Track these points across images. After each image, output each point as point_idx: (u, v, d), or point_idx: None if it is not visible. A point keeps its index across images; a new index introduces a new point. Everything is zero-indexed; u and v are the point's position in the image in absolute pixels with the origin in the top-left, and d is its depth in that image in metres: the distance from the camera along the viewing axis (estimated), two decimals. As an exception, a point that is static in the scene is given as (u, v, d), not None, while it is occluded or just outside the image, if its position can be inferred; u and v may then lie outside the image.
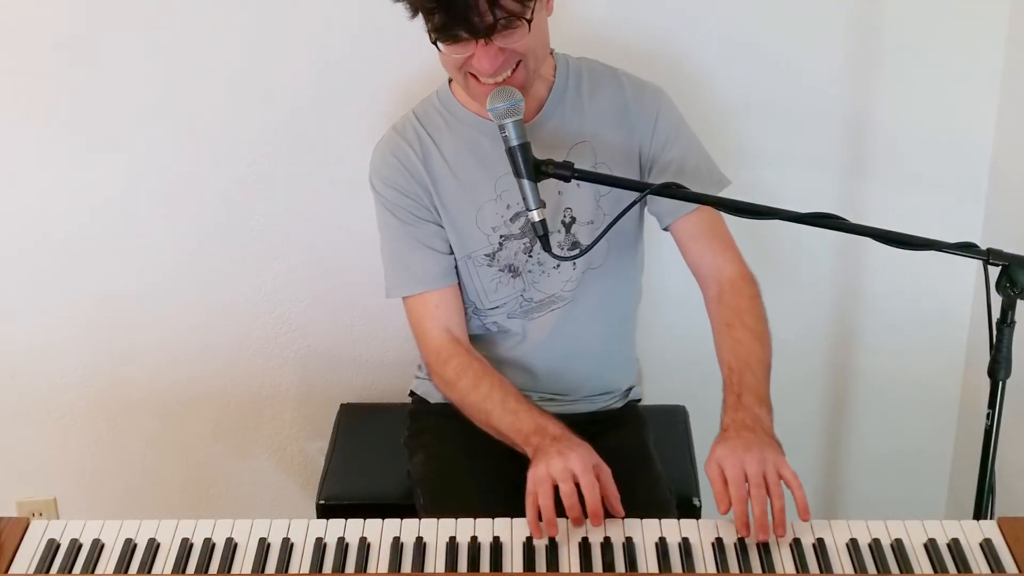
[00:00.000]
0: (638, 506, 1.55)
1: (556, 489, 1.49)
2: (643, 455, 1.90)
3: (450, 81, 1.83)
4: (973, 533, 1.48)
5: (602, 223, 1.82)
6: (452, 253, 1.83)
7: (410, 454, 1.95)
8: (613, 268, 1.87)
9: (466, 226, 1.81)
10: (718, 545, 1.47)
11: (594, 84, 1.82)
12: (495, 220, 1.81)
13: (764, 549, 1.46)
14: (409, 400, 2.05)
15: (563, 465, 1.50)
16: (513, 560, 1.45)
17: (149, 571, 1.43)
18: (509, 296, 1.86)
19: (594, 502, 1.47)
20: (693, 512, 1.97)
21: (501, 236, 1.81)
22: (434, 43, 1.60)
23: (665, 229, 1.85)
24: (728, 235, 1.84)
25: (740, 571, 1.43)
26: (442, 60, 1.66)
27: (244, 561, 1.45)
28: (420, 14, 1.58)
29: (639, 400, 2.05)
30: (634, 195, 1.66)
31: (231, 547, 1.46)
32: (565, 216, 1.82)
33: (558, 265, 1.84)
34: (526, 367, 1.89)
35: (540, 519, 1.48)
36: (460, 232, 1.81)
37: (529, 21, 1.58)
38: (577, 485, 1.49)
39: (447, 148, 1.80)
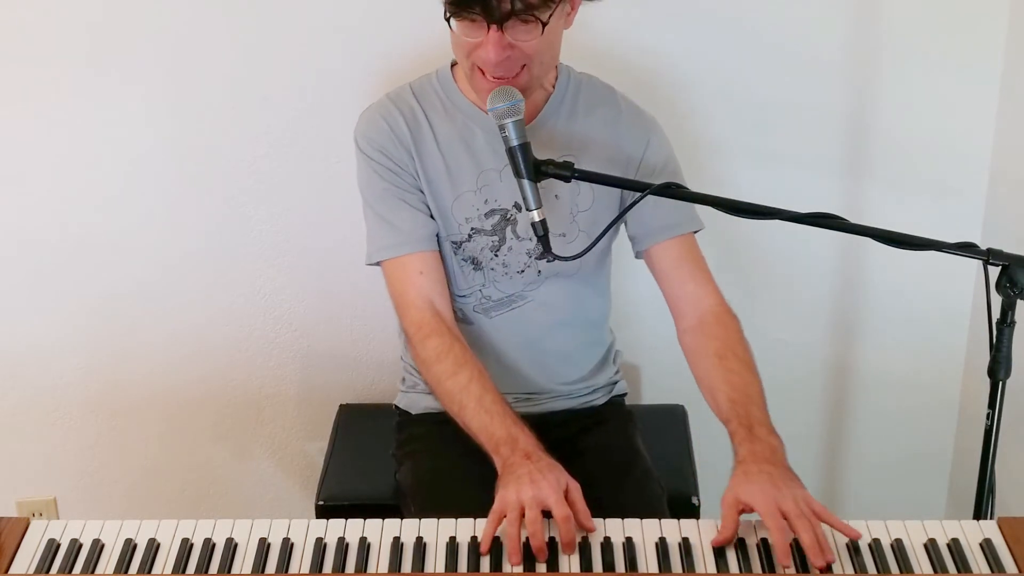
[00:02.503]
0: (627, 503, 1.55)
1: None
2: (630, 451, 1.89)
3: (452, 66, 1.82)
4: (973, 533, 1.48)
5: (575, 237, 1.81)
6: (435, 220, 1.80)
7: (398, 465, 1.94)
8: (580, 274, 1.86)
9: (442, 209, 1.80)
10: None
11: (591, 100, 1.82)
12: (470, 211, 1.80)
13: (764, 549, 1.46)
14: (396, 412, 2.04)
15: (533, 493, 1.47)
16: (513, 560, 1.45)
17: (149, 571, 1.43)
18: (471, 288, 1.85)
19: (568, 535, 1.44)
20: (691, 511, 1.97)
21: (472, 228, 1.81)
22: (447, 19, 1.59)
23: (638, 256, 1.84)
24: (707, 268, 1.82)
25: (740, 571, 1.43)
26: (453, 43, 1.66)
27: (244, 561, 1.45)
28: None
29: (624, 394, 2.03)
30: (614, 215, 1.66)
31: (231, 547, 1.46)
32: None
33: (523, 270, 1.83)
34: (487, 365, 1.84)
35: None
36: (437, 213, 1.80)
37: (544, 23, 1.58)
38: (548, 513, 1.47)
39: (440, 128, 1.79)
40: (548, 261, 1.82)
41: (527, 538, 1.45)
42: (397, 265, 1.78)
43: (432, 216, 1.80)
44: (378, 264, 1.81)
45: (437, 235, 1.81)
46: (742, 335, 1.76)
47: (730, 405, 1.64)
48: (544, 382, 1.91)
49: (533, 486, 1.48)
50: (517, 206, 1.78)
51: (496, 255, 1.82)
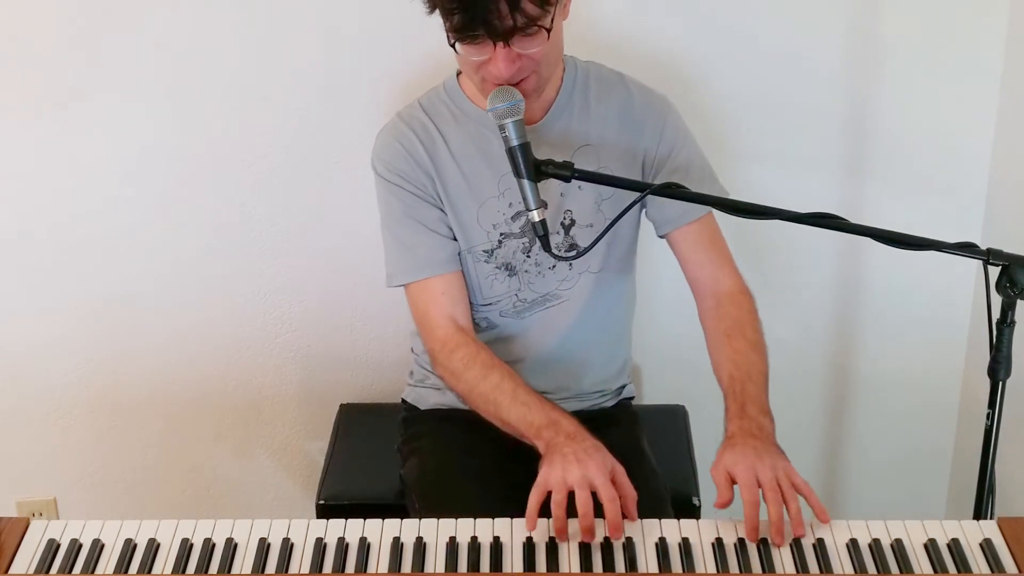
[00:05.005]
0: None
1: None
2: (636, 452, 1.89)
3: (458, 74, 1.82)
4: (973, 533, 1.49)
5: (602, 227, 1.81)
6: (455, 239, 1.81)
7: (403, 460, 1.94)
8: (609, 271, 1.87)
9: (467, 220, 1.80)
10: (718, 545, 1.47)
11: (602, 88, 1.82)
12: (496, 217, 1.81)
13: (764, 549, 1.46)
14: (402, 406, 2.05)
15: (581, 473, 1.48)
16: (513, 560, 1.45)
17: (149, 571, 1.43)
18: (503, 294, 1.85)
19: (615, 516, 1.45)
20: (692, 512, 1.97)
21: (501, 234, 1.81)
22: (452, 45, 1.60)
23: (661, 237, 1.86)
24: (726, 247, 1.85)
25: (740, 571, 1.43)
26: (459, 60, 1.66)
27: (244, 561, 1.45)
28: (438, 12, 1.58)
29: (632, 398, 2.05)
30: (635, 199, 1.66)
31: (231, 547, 1.46)
32: (565, 218, 1.82)
33: (554, 266, 1.84)
34: (513, 363, 1.87)
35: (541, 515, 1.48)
36: (462, 225, 1.81)
37: (548, 30, 1.58)
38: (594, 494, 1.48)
39: (453, 141, 1.79)
40: (553, 263, 1.82)
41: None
42: (420, 288, 1.80)
43: (453, 236, 1.81)
44: (398, 285, 1.82)
45: (467, 248, 1.81)
46: (755, 315, 1.80)
47: (729, 382, 1.69)
48: (562, 383, 1.92)
49: (580, 466, 1.49)
50: (541, 200, 1.76)
51: (528, 256, 1.83)
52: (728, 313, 1.79)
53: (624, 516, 1.49)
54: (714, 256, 1.83)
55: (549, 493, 1.49)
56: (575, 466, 1.49)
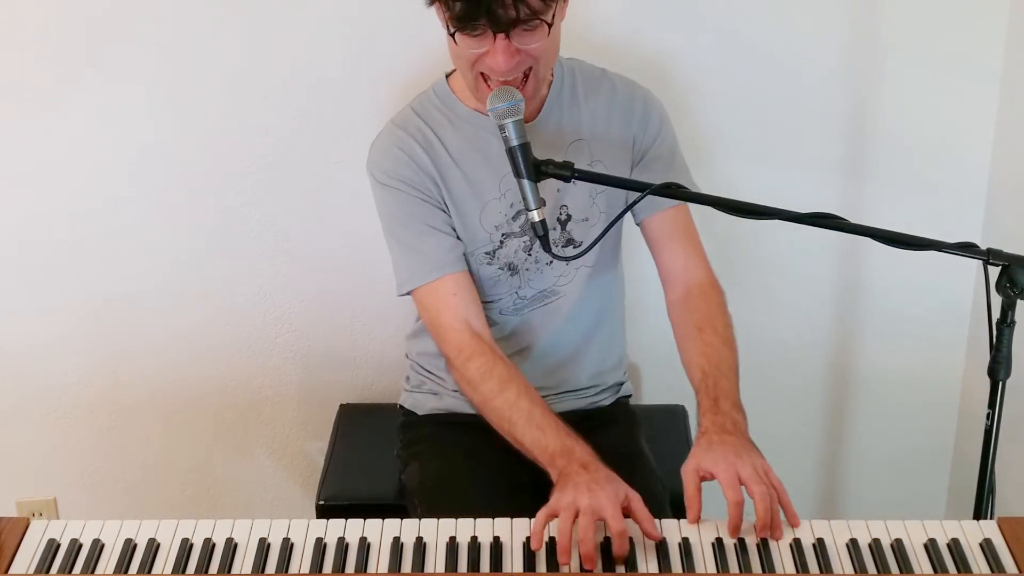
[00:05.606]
0: None
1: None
2: (635, 451, 1.90)
3: (447, 77, 1.82)
4: (973, 533, 1.49)
5: (596, 219, 1.83)
6: (460, 240, 1.81)
7: (403, 465, 1.94)
8: (602, 264, 1.88)
9: (471, 222, 1.80)
10: (718, 545, 1.47)
11: (588, 84, 1.83)
12: (498, 218, 1.81)
13: (764, 549, 1.46)
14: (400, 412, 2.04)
15: (590, 501, 1.46)
16: (513, 560, 1.45)
17: (149, 571, 1.43)
18: (505, 293, 1.86)
19: (622, 548, 1.44)
20: (693, 512, 1.97)
21: (503, 234, 1.81)
22: (451, 35, 1.59)
23: (638, 224, 1.87)
24: (699, 239, 1.86)
25: (740, 571, 1.43)
26: (454, 55, 1.65)
27: (244, 561, 1.45)
28: (436, 4, 1.58)
29: (629, 396, 2.05)
30: (628, 193, 1.66)
31: (231, 547, 1.46)
32: (561, 213, 1.82)
33: (551, 261, 1.84)
34: (512, 359, 1.86)
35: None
36: (465, 227, 1.80)
37: (550, 25, 1.58)
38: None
39: (451, 144, 1.79)
40: (550, 262, 1.82)
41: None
42: (429, 291, 1.78)
43: (458, 236, 1.80)
44: (408, 294, 1.81)
45: (470, 251, 1.81)
46: (724, 308, 1.81)
47: (701, 376, 1.70)
48: (560, 377, 1.92)
49: (591, 494, 1.48)
50: (540, 200, 1.75)
51: (529, 254, 1.83)
52: (697, 306, 1.80)
53: (647, 536, 1.48)
54: (688, 246, 1.84)
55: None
56: (586, 494, 1.48)
